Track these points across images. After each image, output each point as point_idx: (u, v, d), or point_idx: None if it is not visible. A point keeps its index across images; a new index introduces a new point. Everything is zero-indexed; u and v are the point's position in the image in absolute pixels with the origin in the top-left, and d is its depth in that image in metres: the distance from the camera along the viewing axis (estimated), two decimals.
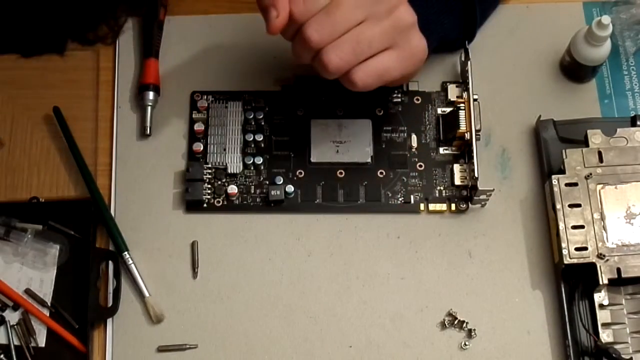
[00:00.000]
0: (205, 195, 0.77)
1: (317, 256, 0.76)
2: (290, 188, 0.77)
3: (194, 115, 0.80)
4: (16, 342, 0.73)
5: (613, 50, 0.78)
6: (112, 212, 0.77)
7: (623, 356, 0.69)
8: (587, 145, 0.74)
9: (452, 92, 0.80)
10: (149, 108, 0.79)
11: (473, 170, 0.74)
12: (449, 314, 0.73)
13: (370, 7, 0.66)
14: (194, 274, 0.75)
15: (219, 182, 0.77)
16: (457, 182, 0.77)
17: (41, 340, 0.74)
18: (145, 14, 0.81)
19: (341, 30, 0.66)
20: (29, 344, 0.73)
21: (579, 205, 0.72)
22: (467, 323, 0.73)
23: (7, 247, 0.76)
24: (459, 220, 0.76)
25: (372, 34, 0.66)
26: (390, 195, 0.77)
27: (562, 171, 0.73)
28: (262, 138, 0.78)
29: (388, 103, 0.80)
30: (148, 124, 0.79)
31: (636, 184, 0.72)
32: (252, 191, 0.77)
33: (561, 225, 0.71)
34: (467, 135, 0.75)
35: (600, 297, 0.71)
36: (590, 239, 0.71)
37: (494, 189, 0.73)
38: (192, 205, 0.77)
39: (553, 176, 0.73)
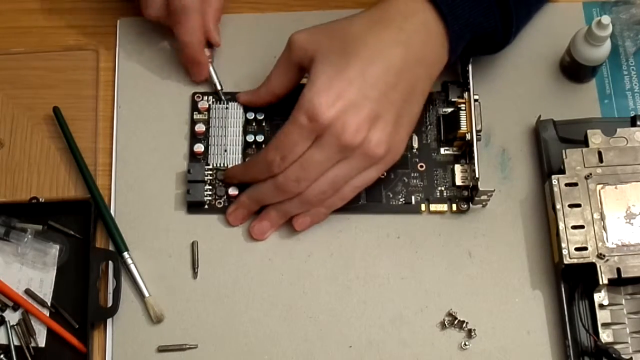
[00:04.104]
0: (206, 196, 0.77)
1: (317, 256, 0.76)
2: None
3: (194, 116, 0.80)
4: (16, 342, 0.73)
5: (613, 50, 0.78)
6: (112, 212, 0.77)
7: (623, 356, 0.69)
8: (587, 145, 0.74)
9: (453, 92, 0.79)
10: (210, 65, 0.80)
11: (474, 171, 0.74)
12: (449, 314, 0.73)
13: (339, 155, 0.69)
14: (194, 274, 0.75)
15: (220, 184, 0.77)
16: (458, 182, 0.77)
17: (41, 340, 0.74)
18: None
19: (316, 178, 0.70)
20: (29, 344, 0.73)
21: (579, 205, 0.72)
22: (467, 323, 0.73)
23: (7, 247, 0.76)
24: (459, 221, 0.76)
25: (346, 172, 0.70)
26: (391, 195, 0.77)
27: (562, 171, 0.73)
28: (263, 139, 0.78)
29: None
30: (216, 81, 0.79)
31: (636, 184, 0.72)
32: None
33: (561, 225, 0.71)
34: (468, 136, 0.75)
35: (600, 297, 0.71)
36: (590, 239, 0.71)
37: (494, 190, 0.73)
38: (193, 206, 0.77)
39: (553, 176, 0.73)
